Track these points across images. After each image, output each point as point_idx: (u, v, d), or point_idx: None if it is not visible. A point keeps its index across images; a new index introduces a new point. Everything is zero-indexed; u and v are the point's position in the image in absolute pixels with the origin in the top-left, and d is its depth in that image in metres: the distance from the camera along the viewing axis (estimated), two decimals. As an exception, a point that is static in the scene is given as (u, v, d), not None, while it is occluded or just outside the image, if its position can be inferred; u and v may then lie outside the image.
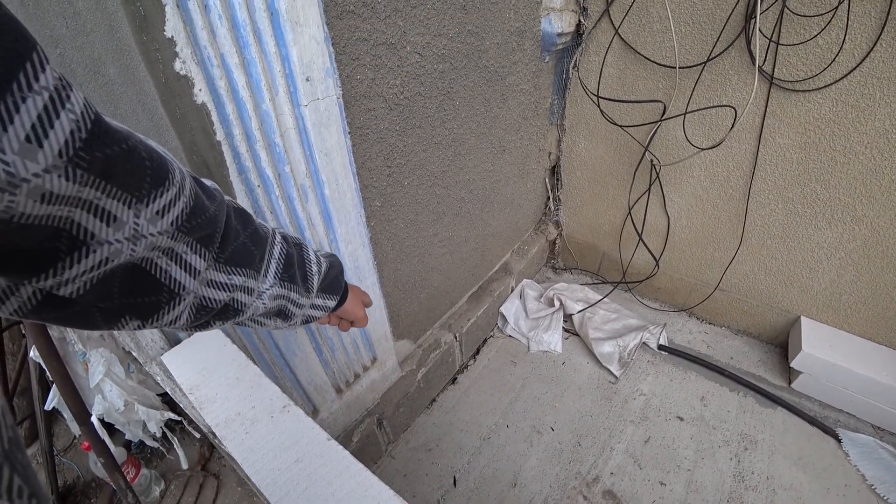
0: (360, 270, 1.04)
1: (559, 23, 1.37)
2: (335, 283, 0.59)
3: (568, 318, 1.87)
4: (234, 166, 0.71)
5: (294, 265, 0.50)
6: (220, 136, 0.67)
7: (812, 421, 1.49)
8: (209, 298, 0.40)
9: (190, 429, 1.42)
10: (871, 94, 1.16)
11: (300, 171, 0.80)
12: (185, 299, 0.38)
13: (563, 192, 1.96)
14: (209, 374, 0.76)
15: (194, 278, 0.38)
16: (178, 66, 0.59)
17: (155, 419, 1.32)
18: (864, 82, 1.16)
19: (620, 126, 1.55)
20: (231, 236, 0.42)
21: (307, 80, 0.72)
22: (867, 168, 1.25)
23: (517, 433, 1.51)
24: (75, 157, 0.25)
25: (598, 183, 1.82)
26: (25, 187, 0.23)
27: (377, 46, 0.85)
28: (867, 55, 1.12)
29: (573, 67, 1.58)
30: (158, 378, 0.83)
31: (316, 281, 0.54)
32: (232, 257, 0.42)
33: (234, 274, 0.42)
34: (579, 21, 1.46)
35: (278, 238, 0.49)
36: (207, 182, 0.41)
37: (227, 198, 0.43)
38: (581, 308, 1.84)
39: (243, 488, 1.42)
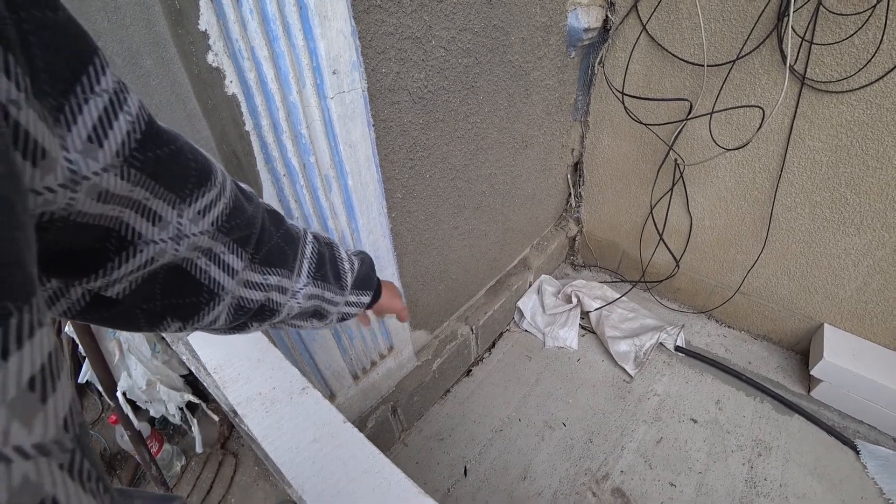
0: (381, 261, 1.06)
1: (586, 18, 1.36)
2: (367, 280, 0.60)
3: (585, 315, 1.87)
4: (261, 156, 0.73)
5: (326, 264, 0.51)
6: (248, 126, 0.69)
7: (830, 430, 1.46)
8: (246, 299, 0.41)
9: (209, 411, 1.47)
10: (908, 97, 1.13)
11: (325, 161, 0.82)
12: (223, 299, 0.39)
13: (585, 188, 1.95)
14: (233, 356, 0.79)
15: (232, 278, 0.39)
16: (210, 58, 0.61)
17: (175, 401, 1.37)
18: (900, 85, 1.13)
19: (645, 124, 1.53)
20: (265, 237, 0.43)
21: (334, 73, 0.74)
22: (900, 174, 1.22)
23: (529, 427, 1.52)
24: (130, 157, 0.27)
25: (621, 181, 1.80)
26: (85, 185, 0.24)
27: (403, 40, 0.86)
28: (905, 57, 1.09)
29: (599, 63, 1.56)
30: (184, 357, 0.87)
31: (349, 278, 0.55)
32: (267, 258, 0.42)
33: (270, 274, 0.43)
34: (606, 16, 1.44)
35: (310, 238, 0.50)
36: (245, 186, 0.43)
37: (261, 200, 0.45)
38: (598, 306, 1.83)
39: (260, 467, 1.47)
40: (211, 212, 0.34)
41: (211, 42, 0.60)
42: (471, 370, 1.72)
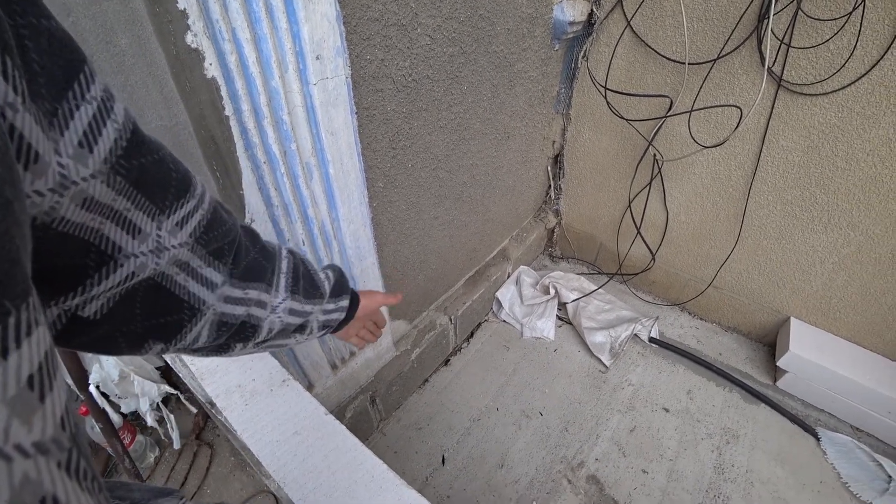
0: (361, 250, 1.05)
1: (571, 11, 1.36)
2: (342, 286, 0.61)
3: (562, 306, 1.89)
4: (241, 142, 0.71)
5: (301, 277, 0.51)
6: (228, 111, 0.67)
7: (793, 419, 1.53)
8: (227, 314, 0.41)
9: (185, 401, 1.44)
10: (878, 102, 1.17)
11: (306, 149, 0.80)
12: (205, 315, 0.38)
13: (565, 181, 1.96)
14: (209, 346, 0.77)
15: (212, 292, 0.38)
16: (189, 39, 0.59)
17: (151, 394, 1.34)
18: (871, 90, 1.16)
19: (626, 119, 1.55)
20: (243, 252, 0.43)
21: (317, 58, 0.72)
22: (867, 175, 1.26)
23: (507, 416, 1.54)
24: (117, 164, 0.27)
25: (600, 174, 1.82)
26: (73, 190, 0.24)
27: (388, 27, 0.85)
28: (877, 63, 1.12)
29: (582, 57, 1.57)
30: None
31: (327, 286, 0.56)
32: (246, 273, 0.42)
33: (249, 288, 0.43)
34: (591, 10, 1.45)
35: (285, 253, 0.51)
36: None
37: (237, 218, 0.44)
38: (576, 297, 1.86)
39: (236, 458, 1.45)
40: (189, 222, 0.34)
41: (190, 22, 0.57)
42: (449, 360, 1.73)
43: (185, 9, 0.57)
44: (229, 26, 0.61)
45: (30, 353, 0.16)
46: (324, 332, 0.59)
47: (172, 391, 1.39)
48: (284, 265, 0.49)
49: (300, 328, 0.52)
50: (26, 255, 0.17)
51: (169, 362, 0.82)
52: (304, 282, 0.51)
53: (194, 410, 1.47)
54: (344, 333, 0.69)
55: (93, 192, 0.25)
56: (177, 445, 1.38)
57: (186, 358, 0.73)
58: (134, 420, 1.53)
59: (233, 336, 0.44)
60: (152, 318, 0.35)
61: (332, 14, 0.71)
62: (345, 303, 0.60)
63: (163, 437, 1.49)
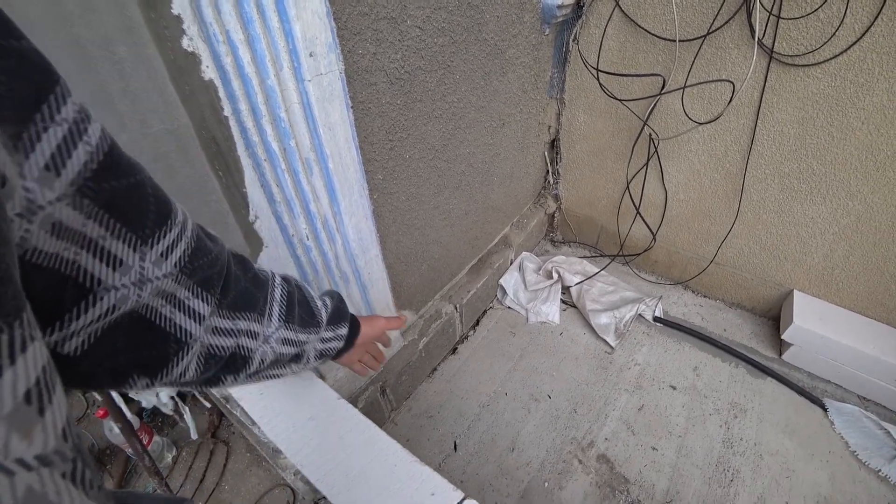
0: (364, 243, 1.07)
1: (560, -5, 1.36)
2: (340, 313, 0.60)
3: (566, 290, 1.91)
4: (241, 141, 0.73)
5: (295, 305, 0.50)
6: (227, 111, 0.69)
7: (800, 391, 1.54)
8: (215, 346, 0.40)
9: (200, 398, 1.47)
10: (870, 69, 1.17)
11: (305, 145, 0.82)
12: (192, 348, 0.37)
13: (562, 165, 1.97)
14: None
15: (199, 324, 0.37)
16: (185, 43, 0.60)
17: (168, 389, 1.37)
18: (863, 57, 1.17)
19: (620, 100, 1.55)
20: (232, 281, 0.42)
21: (311, 55, 0.73)
22: (863, 144, 1.27)
23: (515, 401, 1.56)
24: (84, 186, 0.26)
25: (597, 156, 1.83)
26: (41, 215, 0.23)
27: (378, 21, 0.86)
28: (867, 30, 1.12)
29: (573, 40, 1.57)
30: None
31: (324, 314, 0.55)
32: (235, 303, 0.42)
33: (239, 318, 0.42)
34: (581, -7, 1.45)
35: (278, 281, 0.50)
36: (208, 230, 0.42)
37: (226, 245, 0.44)
38: (579, 280, 1.87)
39: (252, 454, 1.48)
40: (173, 252, 0.33)
41: (185, 26, 0.59)
42: (456, 348, 1.75)
43: (179, 13, 0.58)
44: (223, 28, 0.62)
45: (25, 369, 0.16)
46: (321, 360, 0.58)
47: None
48: (278, 293, 0.48)
49: (295, 357, 0.51)
50: (17, 271, 0.17)
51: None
52: (299, 310, 0.51)
53: (208, 405, 1.50)
54: (346, 360, 0.68)
55: (59, 215, 0.25)
56: (193, 436, 1.41)
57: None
58: (150, 421, 1.56)
59: (223, 368, 0.42)
60: (136, 353, 0.33)
61: (323, 10, 0.72)
62: (343, 331, 0.59)
63: (178, 437, 1.53)
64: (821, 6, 1.14)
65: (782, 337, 1.60)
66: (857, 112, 1.23)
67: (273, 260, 0.89)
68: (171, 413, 1.44)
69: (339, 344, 0.59)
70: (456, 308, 1.62)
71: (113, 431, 1.28)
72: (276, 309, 0.47)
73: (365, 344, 0.70)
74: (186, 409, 1.40)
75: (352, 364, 0.71)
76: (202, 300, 0.37)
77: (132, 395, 1.30)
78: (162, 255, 0.32)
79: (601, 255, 2.11)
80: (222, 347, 0.40)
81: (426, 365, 1.61)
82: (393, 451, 0.55)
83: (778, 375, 1.58)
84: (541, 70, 1.57)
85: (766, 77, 1.31)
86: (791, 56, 1.25)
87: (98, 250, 0.28)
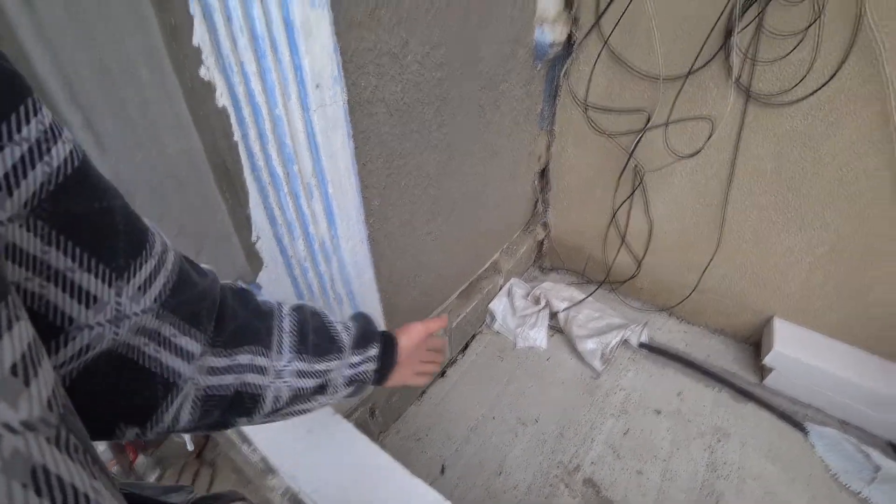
0: (359, 266, 1.10)
1: (551, 33, 1.44)
2: (368, 335, 0.55)
3: (554, 315, 1.94)
4: (247, 164, 0.77)
5: (310, 333, 0.47)
6: (236, 136, 0.72)
7: (782, 415, 1.57)
8: (214, 386, 0.37)
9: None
10: (839, 108, 1.25)
11: (307, 170, 0.85)
12: (182, 389, 0.34)
13: (552, 195, 2.03)
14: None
15: (189, 363, 0.35)
16: (202, 72, 0.64)
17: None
18: (833, 97, 1.25)
19: (607, 134, 1.63)
20: (228, 315, 0.39)
21: (317, 87, 0.78)
22: (834, 177, 1.34)
23: (503, 424, 1.57)
24: (38, 207, 0.24)
25: (585, 187, 1.89)
26: None
27: (381, 56, 0.91)
28: (835, 73, 1.20)
29: (563, 76, 1.65)
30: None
31: (346, 338, 0.51)
32: (234, 338, 0.39)
33: (239, 354, 0.39)
34: (570, 32, 1.53)
35: (286, 310, 0.47)
36: (203, 266, 0.40)
37: (226, 281, 0.42)
38: (566, 306, 1.91)
39: (238, 475, 1.47)
40: (152, 286, 0.31)
41: (203, 57, 0.63)
42: (445, 371, 1.77)
43: (198, 45, 0.62)
44: (238, 60, 0.67)
45: (11, 345, 0.17)
46: (356, 387, 0.54)
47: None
48: (286, 324, 0.45)
49: (319, 389, 0.47)
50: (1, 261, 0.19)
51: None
52: (314, 337, 0.47)
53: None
54: (398, 379, 0.62)
55: (13, 237, 0.23)
56: (190, 447, 1.39)
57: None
58: (133, 441, 1.54)
59: (229, 410, 0.39)
60: (118, 398, 0.31)
61: (330, 46, 0.77)
62: (373, 351, 0.55)
63: (163, 456, 1.51)
64: (792, 51, 1.22)
65: (763, 362, 1.64)
66: (828, 148, 1.31)
67: (272, 280, 0.92)
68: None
69: (371, 366, 0.54)
70: (445, 332, 1.65)
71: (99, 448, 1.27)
72: (285, 340, 0.44)
73: (410, 357, 0.65)
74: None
75: (408, 380, 0.65)
76: (191, 337, 0.35)
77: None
78: (139, 288, 0.30)
79: (588, 282, 2.15)
80: (222, 387, 0.38)
81: (415, 388, 1.62)
82: (387, 463, 0.56)
83: (760, 400, 1.62)
84: (532, 104, 1.64)
85: (744, 114, 1.38)
86: (766, 95, 1.33)
87: (67, 284, 0.26)
